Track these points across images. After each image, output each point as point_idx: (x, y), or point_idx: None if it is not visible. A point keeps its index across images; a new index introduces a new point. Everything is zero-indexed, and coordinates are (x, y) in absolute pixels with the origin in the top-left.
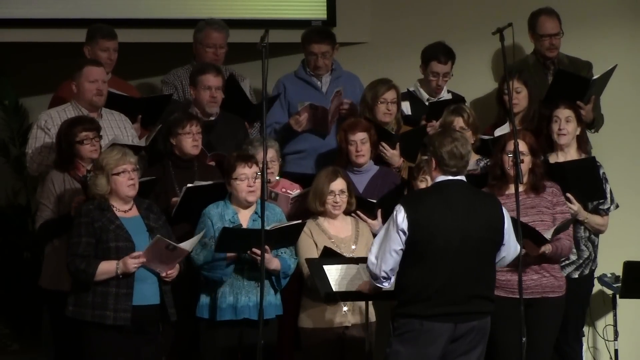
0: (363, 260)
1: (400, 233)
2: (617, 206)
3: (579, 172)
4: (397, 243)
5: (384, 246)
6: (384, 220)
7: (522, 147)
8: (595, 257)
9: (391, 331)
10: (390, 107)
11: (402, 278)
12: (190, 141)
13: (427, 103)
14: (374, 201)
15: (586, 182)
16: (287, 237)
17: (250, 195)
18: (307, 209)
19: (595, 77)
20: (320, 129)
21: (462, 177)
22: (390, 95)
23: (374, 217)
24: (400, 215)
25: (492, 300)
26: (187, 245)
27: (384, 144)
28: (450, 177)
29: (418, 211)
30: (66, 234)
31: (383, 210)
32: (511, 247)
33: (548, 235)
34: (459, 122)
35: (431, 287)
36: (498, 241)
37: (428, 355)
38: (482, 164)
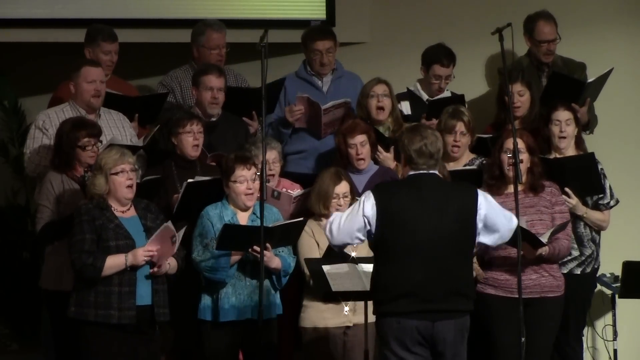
0: (363, 260)
1: (365, 219)
2: (617, 201)
3: (578, 167)
4: (359, 229)
5: (345, 225)
6: None
7: (520, 145)
8: (598, 255)
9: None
10: (381, 100)
11: (377, 277)
12: (191, 140)
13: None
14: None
15: (585, 177)
16: (289, 234)
17: (249, 200)
18: (306, 208)
19: (590, 80)
20: (313, 128)
21: (435, 171)
22: (379, 88)
23: None
24: (369, 203)
25: (470, 298)
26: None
27: (378, 147)
28: (422, 172)
29: (388, 202)
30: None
31: None
32: (498, 228)
33: (544, 238)
34: (460, 126)
35: (407, 284)
36: (471, 234)
37: (407, 355)
38: (477, 162)
